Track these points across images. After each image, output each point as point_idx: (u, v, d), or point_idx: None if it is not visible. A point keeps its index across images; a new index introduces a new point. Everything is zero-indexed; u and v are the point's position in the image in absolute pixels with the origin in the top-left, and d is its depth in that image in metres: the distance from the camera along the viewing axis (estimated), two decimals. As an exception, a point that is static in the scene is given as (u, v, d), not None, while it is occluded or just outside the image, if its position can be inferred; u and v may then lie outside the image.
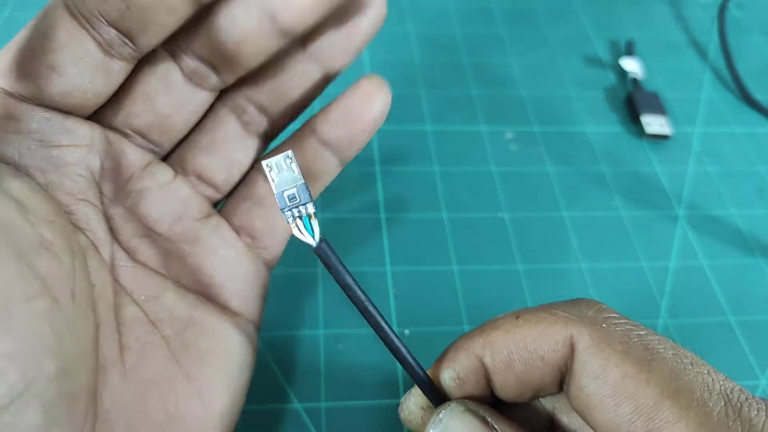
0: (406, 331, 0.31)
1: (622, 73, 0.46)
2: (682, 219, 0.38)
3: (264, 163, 0.17)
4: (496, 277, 0.34)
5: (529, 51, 0.47)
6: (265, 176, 0.18)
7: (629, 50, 0.47)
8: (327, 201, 0.36)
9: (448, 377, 0.19)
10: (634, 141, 0.42)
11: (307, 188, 0.17)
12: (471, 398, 0.19)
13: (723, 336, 0.33)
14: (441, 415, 0.18)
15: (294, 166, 0.17)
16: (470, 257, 0.34)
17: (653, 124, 0.42)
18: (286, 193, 0.16)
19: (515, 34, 0.48)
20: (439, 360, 0.19)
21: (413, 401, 0.20)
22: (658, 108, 0.43)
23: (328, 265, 0.17)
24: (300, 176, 0.17)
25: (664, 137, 0.41)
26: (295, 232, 0.17)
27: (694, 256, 0.36)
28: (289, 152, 0.17)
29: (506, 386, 0.18)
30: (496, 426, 0.17)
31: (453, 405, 0.18)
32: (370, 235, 0.35)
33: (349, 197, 0.36)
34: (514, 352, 0.17)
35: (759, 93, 0.46)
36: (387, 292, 0.32)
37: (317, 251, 0.17)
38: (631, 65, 0.45)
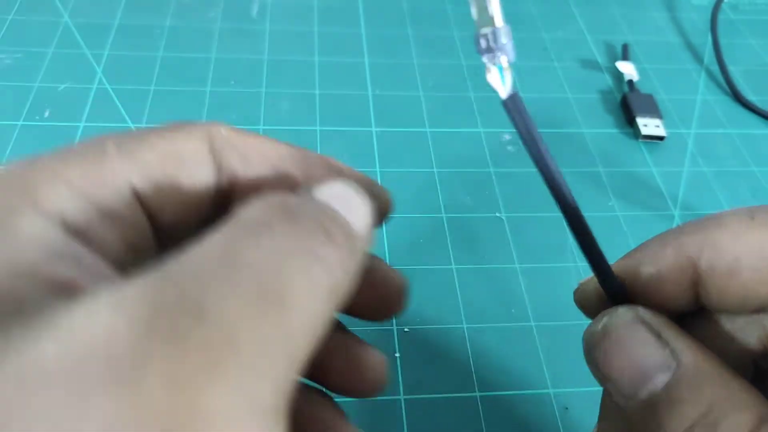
0: (406, 329, 0.31)
1: (617, 76, 0.46)
2: (678, 219, 0.38)
3: None
4: (495, 276, 0.34)
5: (526, 54, 0.48)
6: None
7: (625, 53, 0.48)
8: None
9: (645, 272, 0.16)
10: (629, 142, 0.42)
11: (502, 35, 0.16)
12: (659, 306, 0.15)
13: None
14: (605, 320, 0.15)
15: (492, 3, 0.15)
16: (469, 257, 0.35)
17: (649, 125, 0.42)
18: (482, 35, 0.16)
19: (513, 37, 0.49)
20: (637, 252, 0.16)
21: (593, 286, 0.17)
22: (654, 110, 0.43)
23: (515, 122, 0.15)
24: (497, 18, 0.16)
25: (659, 138, 0.42)
26: (489, 77, 0.16)
27: (689, 255, 0.36)
28: None
29: (723, 295, 0.15)
30: (671, 344, 0.14)
31: (622, 310, 0.15)
32: (370, 235, 0.35)
33: (349, 198, 0.37)
34: (744, 258, 0.14)
35: (752, 94, 0.46)
36: (387, 291, 0.33)
37: (506, 104, 0.15)
38: (626, 68, 0.46)
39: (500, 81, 0.16)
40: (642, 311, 0.15)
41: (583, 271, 0.35)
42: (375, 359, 0.17)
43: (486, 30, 0.16)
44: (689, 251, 0.15)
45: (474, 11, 0.16)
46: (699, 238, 0.15)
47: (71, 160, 0.13)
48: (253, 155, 0.16)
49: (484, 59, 0.16)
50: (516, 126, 0.15)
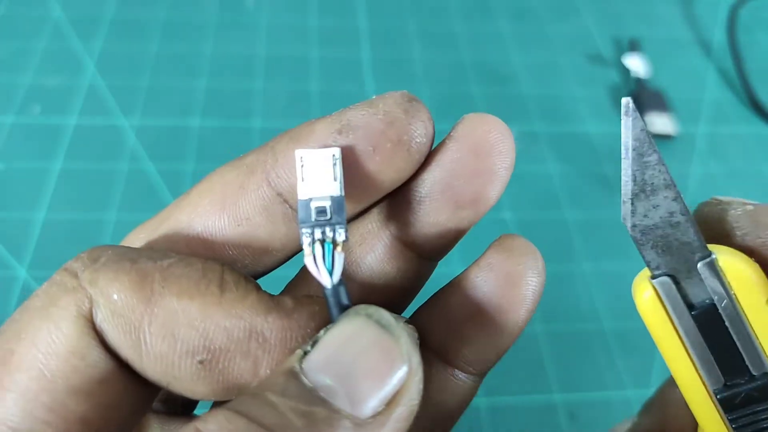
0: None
1: (625, 71, 0.45)
2: (686, 220, 0.37)
3: (298, 152, 0.12)
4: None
5: (531, 48, 0.46)
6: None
7: (633, 48, 0.46)
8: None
9: None
10: (637, 140, 0.41)
11: (344, 206, 0.12)
12: None
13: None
14: None
15: (337, 170, 0.12)
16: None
17: (657, 123, 0.41)
18: (314, 204, 0.12)
19: (517, 30, 0.48)
20: None
21: None
22: (663, 107, 0.42)
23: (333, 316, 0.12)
24: (340, 187, 0.12)
25: (668, 137, 0.41)
26: (307, 261, 0.12)
27: (699, 258, 0.35)
28: (336, 151, 0.12)
29: None
30: None
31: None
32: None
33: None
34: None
35: (764, 94, 0.45)
36: (386, 294, 0.32)
37: (329, 295, 0.12)
38: (634, 63, 0.45)
39: (325, 265, 0.12)
40: None
41: (588, 275, 0.34)
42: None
43: (320, 198, 0.12)
44: None
45: (305, 171, 0.13)
46: None
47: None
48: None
49: (305, 233, 0.12)
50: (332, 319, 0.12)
